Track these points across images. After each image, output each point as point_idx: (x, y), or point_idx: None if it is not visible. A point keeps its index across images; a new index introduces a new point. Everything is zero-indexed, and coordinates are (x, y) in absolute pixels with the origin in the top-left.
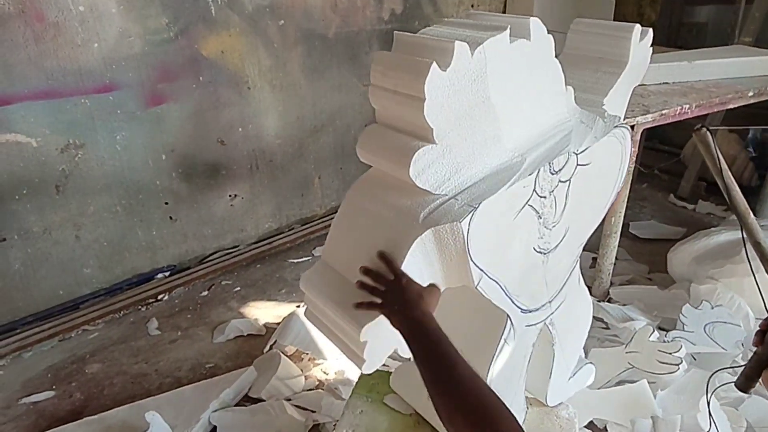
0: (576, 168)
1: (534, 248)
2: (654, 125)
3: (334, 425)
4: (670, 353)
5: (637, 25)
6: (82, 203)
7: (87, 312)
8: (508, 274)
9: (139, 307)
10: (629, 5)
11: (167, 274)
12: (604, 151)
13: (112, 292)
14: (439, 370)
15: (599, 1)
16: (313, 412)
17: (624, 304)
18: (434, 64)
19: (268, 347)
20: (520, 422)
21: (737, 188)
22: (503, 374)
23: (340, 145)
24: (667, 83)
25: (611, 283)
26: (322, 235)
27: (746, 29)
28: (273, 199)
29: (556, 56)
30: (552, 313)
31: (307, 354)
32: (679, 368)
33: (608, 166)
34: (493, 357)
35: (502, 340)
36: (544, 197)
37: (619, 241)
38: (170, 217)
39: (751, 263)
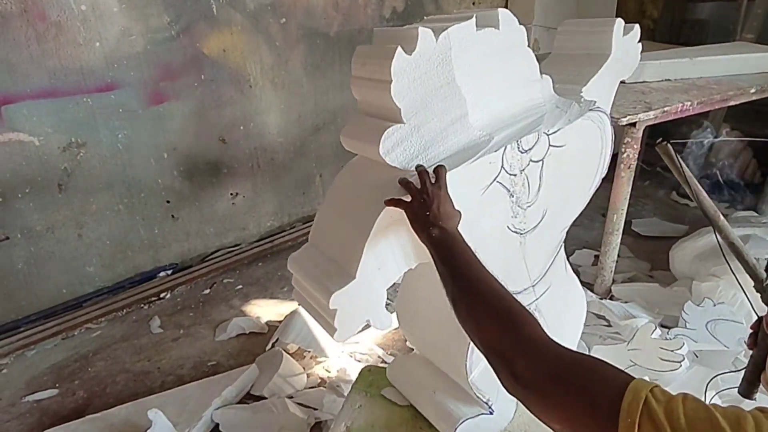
0: (549, 148)
1: (509, 227)
2: (656, 122)
3: (335, 420)
4: (672, 351)
5: (619, 20)
6: (84, 202)
7: (90, 310)
8: (481, 252)
9: (142, 305)
10: (631, 2)
11: (169, 272)
12: (580, 133)
13: (115, 291)
14: (470, 280)
15: (601, 0)
16: (315, 409)
17: (626, 302)
18: (399, 49)
19: (270, 345)
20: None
21: (705, 193)
22: (487, 366)
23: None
24: (668, 80)
25: (613, 281)
26: None
27: (748, 26)
28: (275, 197)
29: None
30: (537, 299)
31: (309, 352)
32: (681, 365)
33: (586, 149)
34: (470, 346)
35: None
36: (515, 175)
37: (621, 239)
38: (172, 216)
39: (731, 264)
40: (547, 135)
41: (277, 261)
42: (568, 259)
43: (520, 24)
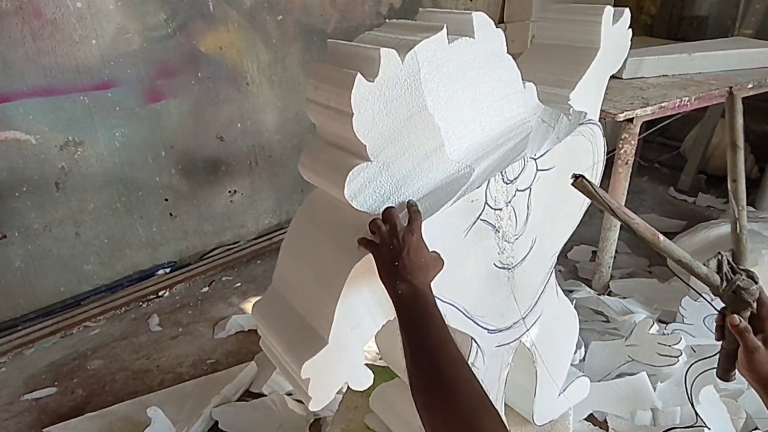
0: (536, 174)
1: (495, 264)
2: (653, 118)
3: (332, 422)
4: (670, 345)
5: (608, 6)
6: (82, 200)
7: (88, 309)
8: (465, 295)
9: (140, 303)
10: None
11: (168, 270)
12: (570, 151)
13: (113, 289)
14: (424, 349)
15: None
16: None
17: (624, 297)
18: (359, 76)
19: None
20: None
21: (638, 218)
22: None
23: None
24: (666, 76)
25: (611, 277)
26: None
27: (747, 22)
28: (273, 194)
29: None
30: (527, 330)
31: None
32: (678, 360)
33: (577, 167)
34: None
35: (469, 365)
36: (500, 209)
37: (619, 235)
38: (170, 214)
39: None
40: (534, 159)
41: (275, 259)
42: (563, 264)
43: (497, 27)
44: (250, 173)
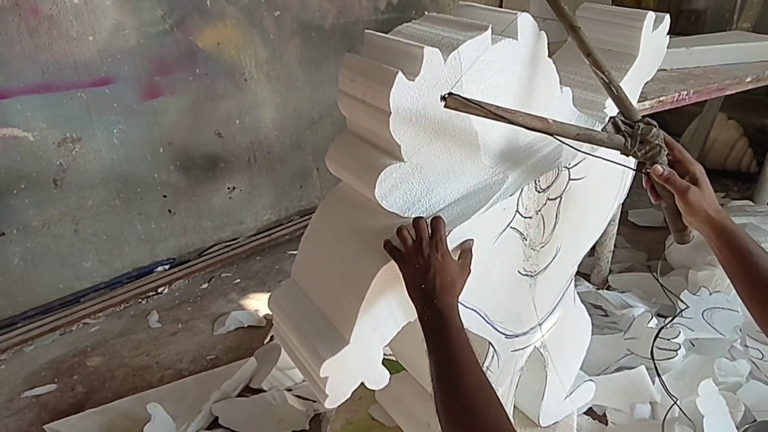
0: (568, 184)
1: (519, 271)
2: (652, 112)
3: (336, 412)
4: (669, 339)
5: (651, 13)
6: (80, 197)
7: (87, 305)
8: (488, 301)
9: (140, 300)
10: None
11: (167, 267)
12: (602, 161)
13: (112, 286)
14: (448, 373)
15: None
16: (314, 401)
17: (623, 292)
18: (400, 74)
19: (268, 338)
20: None
21: (520, 111)
22: None
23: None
24: (665, 70)
25: (610, 271)
26: None
27: (745, 15)
28: (272, 191)
29: (555, 46)
30: (543, 336)
31: None
32: (677, 354)
33: (608, 177)
34: None
35: (484, 368)
36: (530, 218)
37: (618, 229)
38: (169, 210)
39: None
40: (568, 168)
41: (274, 255)
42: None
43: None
44: (249, 169)
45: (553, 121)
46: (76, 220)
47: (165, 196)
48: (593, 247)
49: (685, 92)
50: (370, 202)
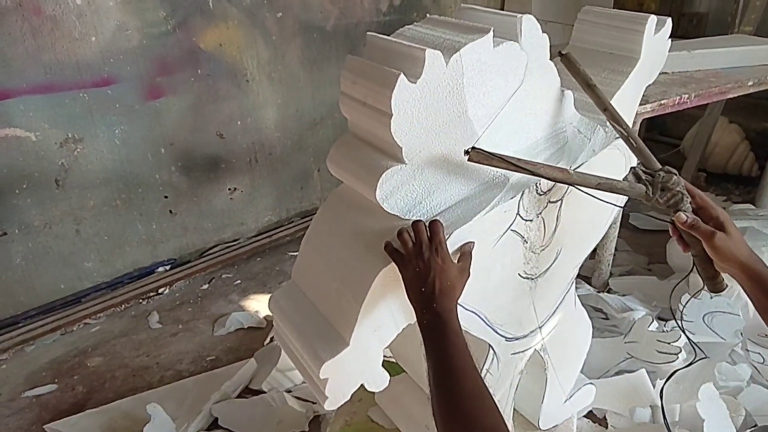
0: (569, 187)
1: (519, 274)
2: (653, 115)
3: (335, 414)
4: (669, 343)
5: (653, 16)
6: (82, 197)
7: (88, 306)
8: (488, 303)
9: (140, 300)
10: None
11: (168, 267)
12: (603, 164)
13: (113, 286)
14: (447, 378)
15: None
16: (314, 403)
17: (623, 295)
18: (402, 76)
19: (268, 339)
20: None
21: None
22: None
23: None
24: (666, 73)
25: (611, 274)
26: None
27: (746, 19)
28: (273, 192)
29: (560, 49)
30: (543, 339)
31: None
32: (677, 357)
33: None
34: None
35: (484, 370)
36: (530, 220)
37: (619, 232)
38: (170, 211)
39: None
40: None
41: (275, 256)
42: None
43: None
44: (250, 170)
45: (574, 171)
46: (77, 220)
47: (166, 197)
48: (594, 250)
49: (687, 96)
50: (372, 204)
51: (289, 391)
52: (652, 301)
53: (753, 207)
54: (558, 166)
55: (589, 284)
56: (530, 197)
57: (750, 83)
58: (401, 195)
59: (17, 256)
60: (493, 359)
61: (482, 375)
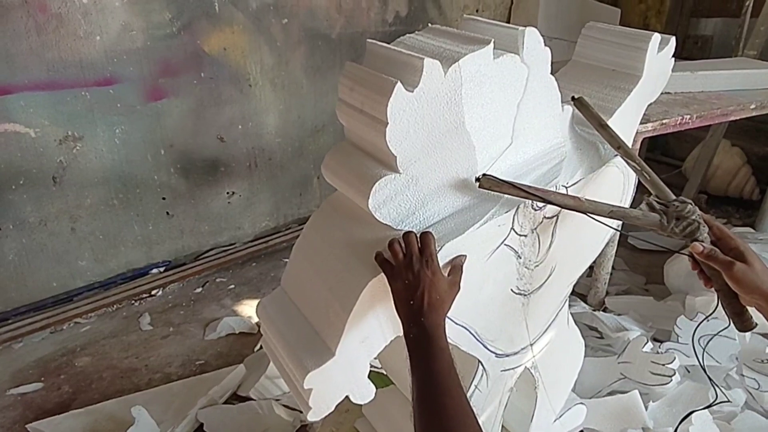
0: None
1: (512, 289)
2: (654, 135)
3: (321, 424)
4: (663, 364)
5: (656, 34)
6: (79, 195)
7: (80, 305)
8: (479, 318)
9: (133, 301)
10: (635, 15)
11: (162, 269)
12: (601, 181)
13: (106, 286)
14: (430, 394)
15: (604, 12)
16: (301, 412)
17: (619, 314)
18: (399, 85)
19: (258, 346)
20: None
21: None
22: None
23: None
24: (668, 93)
25: (607, 293)
26: None
27: (751, 43)
28: (271, 197)
29: (560, 65)
30: (534, 357)
31: None
32: (671, 380)
33: (606, 198)
34: None
35: (473, 387)
36: (525, 236)
37: (617, 251)
38: (167, 213)
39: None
40: (566, 187)
41: (271, 262)
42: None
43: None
44: (249, 175)
45: (586, 199)
46: (73, 218)
47: (164, 198)
48: (591, 268)
49: (689, 116)
50: (364, 213)
51: (277, 399)
52: (648, 322)
53: (753, 231)
54: (568, 196)
55: (585, 302)
56: (525, 212)
57: (752, 106)
58: (394, 205)
59: (10, 252)
60: (482, 375)
61: (471, 391)
